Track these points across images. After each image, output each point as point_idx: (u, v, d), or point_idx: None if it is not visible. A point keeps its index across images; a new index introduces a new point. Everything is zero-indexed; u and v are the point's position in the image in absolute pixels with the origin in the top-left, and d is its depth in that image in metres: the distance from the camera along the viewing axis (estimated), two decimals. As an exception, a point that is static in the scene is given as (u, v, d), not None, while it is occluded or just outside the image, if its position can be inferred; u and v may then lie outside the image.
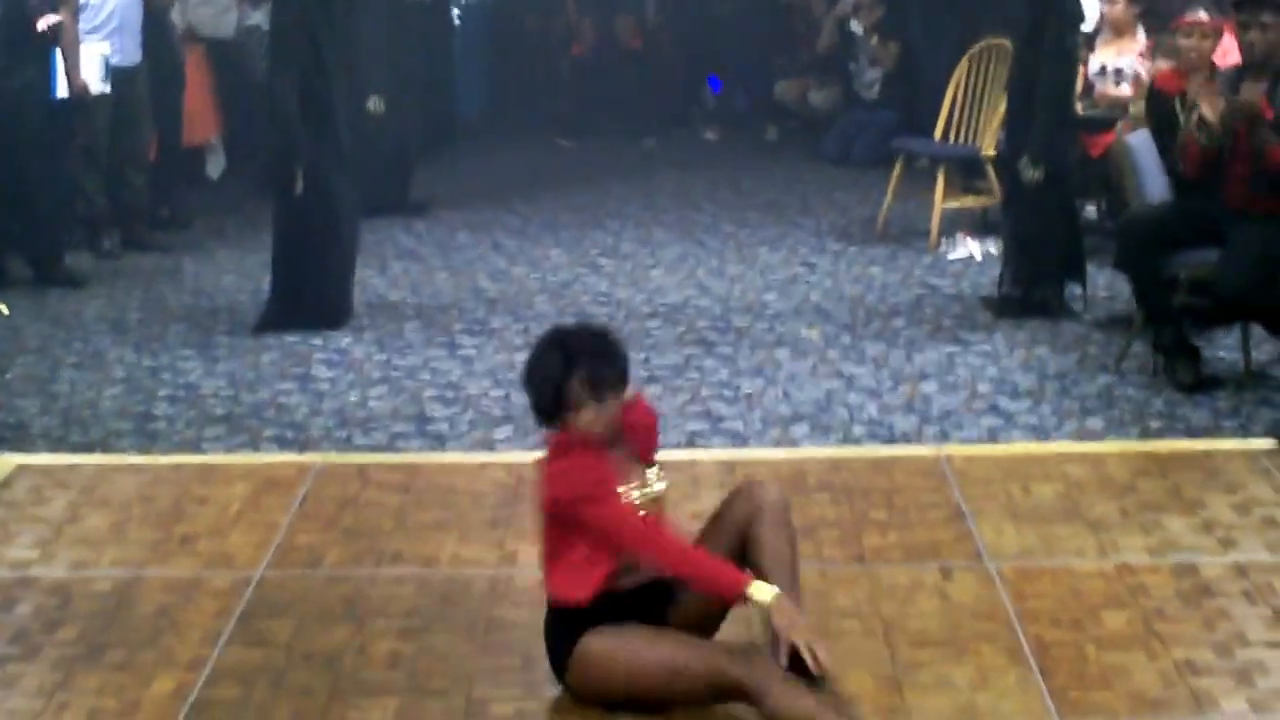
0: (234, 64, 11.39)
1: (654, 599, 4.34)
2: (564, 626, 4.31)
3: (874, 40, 12.45)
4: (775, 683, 4.01)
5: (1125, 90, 9.50)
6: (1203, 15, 8.04)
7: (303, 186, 7.83)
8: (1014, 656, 4.58)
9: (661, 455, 6.22)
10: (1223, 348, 7.56)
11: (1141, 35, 9.77)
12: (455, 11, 13.14)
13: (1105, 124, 9.41)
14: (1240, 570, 5.11)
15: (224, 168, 11.90)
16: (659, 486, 4.46)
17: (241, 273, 9.29)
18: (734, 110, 14.11)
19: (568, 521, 4.26)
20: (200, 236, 10.26)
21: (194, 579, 5.17)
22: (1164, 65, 9.20)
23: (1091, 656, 4.54)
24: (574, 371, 4.20)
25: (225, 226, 10.45)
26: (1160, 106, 8.22)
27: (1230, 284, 6.80)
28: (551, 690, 4.45)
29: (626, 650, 4.19)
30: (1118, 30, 9.70)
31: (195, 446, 6.56)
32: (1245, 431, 6.53)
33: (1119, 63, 9.59)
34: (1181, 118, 7.47)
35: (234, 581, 5.14)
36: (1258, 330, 7.25)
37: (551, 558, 4.35)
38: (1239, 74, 7.08)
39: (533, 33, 13.56)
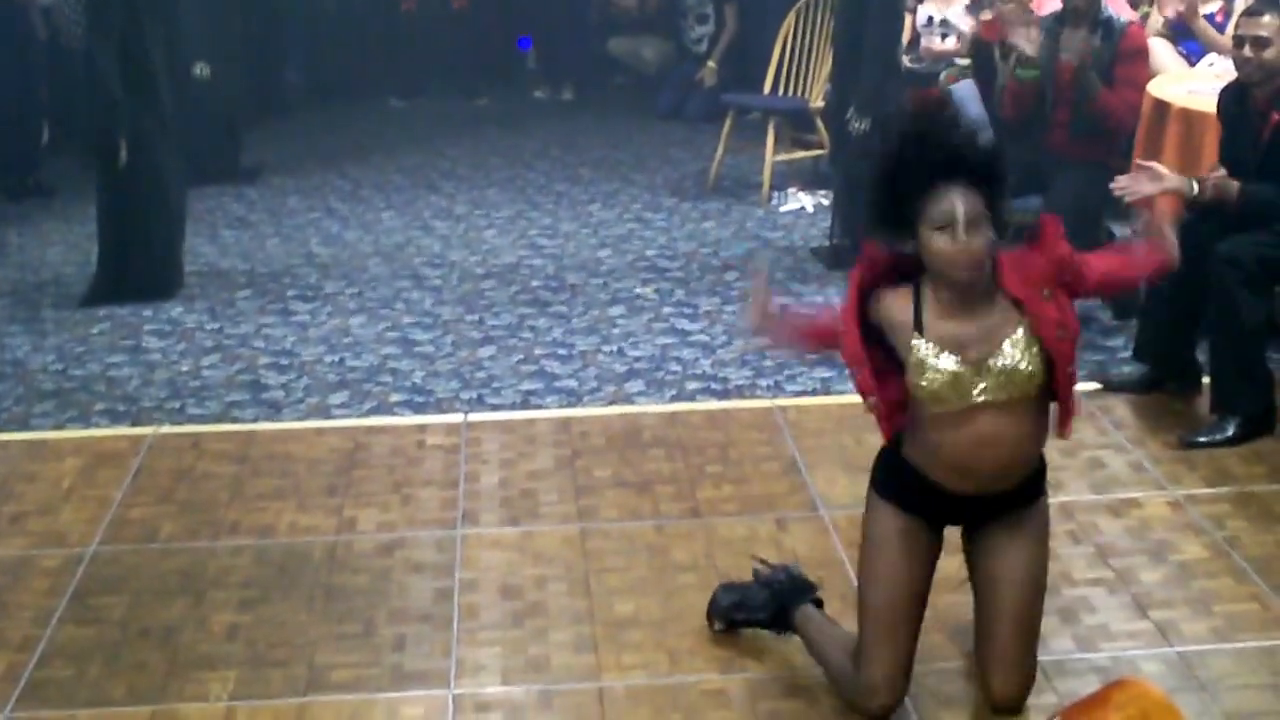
0: (56, 31, 11.14)
1: None
2: None
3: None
4: None
5: (951, 44, 9.61)
6: None
7: (127, 156, 7.71)
8: (848, 602, 4.60)
9: (515, 414, 6.31)
10: (1048, 292, 7.68)
11: None
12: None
13: (934, 79, 9.53)
14: (1066, 511, 5.23)
15: (49, 138, 11.65)
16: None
17: (68, 244, 9.12)
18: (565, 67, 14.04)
19: None
20: (25, 208, 10.02)
21: (24, 558, 5.10)
22: (986, 16, 9.35)
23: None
24: None
25: (51, 198, 10.25)
26: (981, 54, 8.35)
27: (1053, 229, 6.92)
28: (392, 656, 4.47)
29: None
30: (946, -18, 9.81)
31: (24, 423, 6.45)
32: (1071, 375, 6.66)
33: (945, 14, 9.69)
34: (1000, 65, 7.60)
35: (66, 559, 5.08)
36: (1081, 274, 7.39)
37: None
38: (1058, 21, 7.19)
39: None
